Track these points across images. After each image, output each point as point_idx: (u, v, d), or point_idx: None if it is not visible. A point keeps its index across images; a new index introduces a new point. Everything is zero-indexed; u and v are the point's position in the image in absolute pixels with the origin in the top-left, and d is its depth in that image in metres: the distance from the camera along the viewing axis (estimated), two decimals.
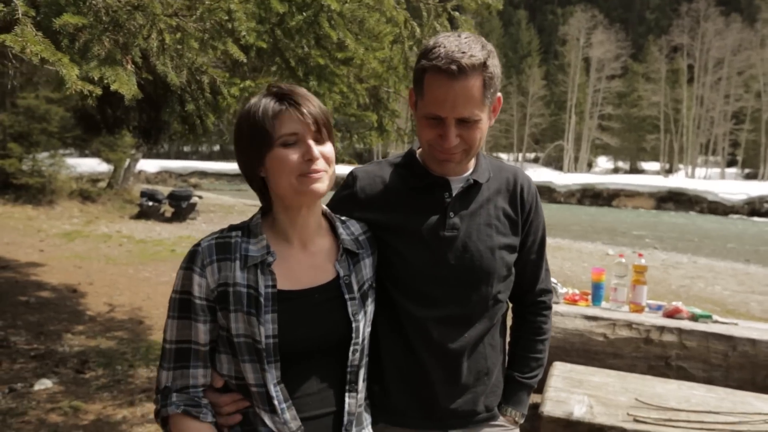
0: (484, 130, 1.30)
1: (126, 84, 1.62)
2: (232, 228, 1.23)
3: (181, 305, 1.17)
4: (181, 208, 14.54)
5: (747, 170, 50.82)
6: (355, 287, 1.26)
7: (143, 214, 14.34)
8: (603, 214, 28.36)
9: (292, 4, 2.06)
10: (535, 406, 2.75)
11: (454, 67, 1.19)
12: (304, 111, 1.17)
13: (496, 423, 1.46)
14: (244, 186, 34.94)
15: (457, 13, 2.85)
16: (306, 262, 1.24)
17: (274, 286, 1.16)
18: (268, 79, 2.30)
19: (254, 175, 1.21)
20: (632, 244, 15.30)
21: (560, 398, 2.58)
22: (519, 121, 60.57)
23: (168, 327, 1.18)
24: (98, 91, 1.51)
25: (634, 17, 74.06)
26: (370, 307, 1.31)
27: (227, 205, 20.21)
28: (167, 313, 1.20)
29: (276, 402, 1.14)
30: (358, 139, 4.44)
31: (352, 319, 1.23)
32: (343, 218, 1.37)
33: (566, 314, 3.33)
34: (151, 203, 14.46)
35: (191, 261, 1.16)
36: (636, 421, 2.40)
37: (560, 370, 2.92)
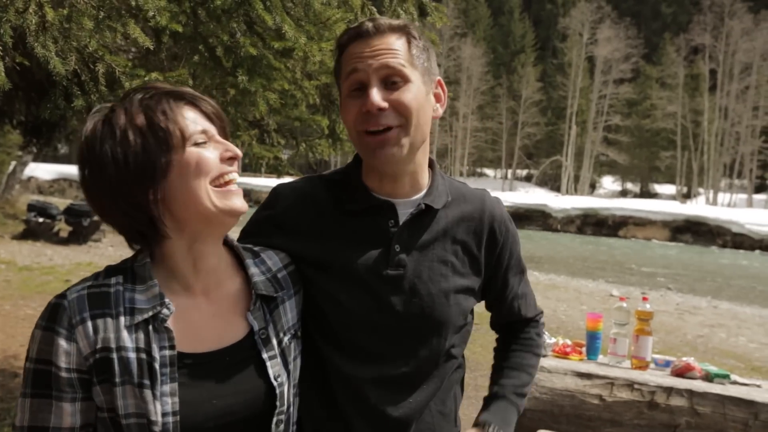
0: (421, 100, 1.30)
1: None
2: (109, 272, 1.15)
3: (37, 378, 1.08)
4: (82, 226, 14.18)
5: None
6: (275, 341, 1.23)
7: (30, 234, 13.92)
8: (608, 245, 28.96)
9: None
10: None
11: (368, 24, 1.30)
12: (204, 104, 1.18)
13: None
14: None
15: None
16: (209, 314, 1.19)
17: (172, 347, 1.10)
18: (182, 72, 2.25)
19: (135, 201, 1.11)
20: (641, 284, 15.66)
21: None
22: (509, 130, 61.74)
23: (19, 407, 1.09)
24: None
25: (648, 11, 77.15)
26: (296, 363, 1.28)
27: None
28: (21, 389, 1.11)
29: None
30: (306, 148, 4.42)
31: (274, 383, 1.19)
32: (255, 249, 1.33)
33: (555, 370, 3.34)
34: (41, 219, 14.08)
35: (53, 319, 1.08)
36: None
37: None
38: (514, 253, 1.52)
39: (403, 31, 1.31)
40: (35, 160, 19.57)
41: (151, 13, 1.81)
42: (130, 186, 1.10)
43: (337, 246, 1.34)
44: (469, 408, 3.24)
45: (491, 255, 1.45)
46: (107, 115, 1.14)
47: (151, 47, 1.94)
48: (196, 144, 1.13)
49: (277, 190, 1.44)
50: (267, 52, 2.28)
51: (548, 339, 3.61)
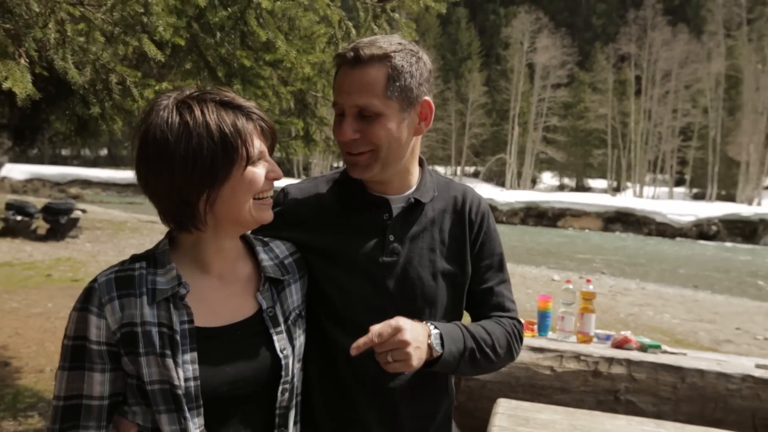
0: (392, 130, 1.32)
1: (20, 81, 1.56)
2: (134, 259, 1.20)
3: (74, 353, 1.12)
4: (59, 224, 13.79)
5: (695, 190, 54.63)
6: (281, 319, 1.28)
7: (9, 231, 13.46)
8: (548, 235, 29.48)
9: None
10: None
11: (351, 53, 1.30)
12: (266, 123, 1.22)
13: None
14: (137, 198, 33.60)
15: (396, 15, 2.95)
16: (224, 294, 1.24)
17: (190, 322, 1.15)
18: (188, 82, 2.27)
19: (188, 198, 1.15)
20: (579, 269, 16.04)
21: None
22: (458, 130, 62.03)
23: (58, 380, 1.14)
24: None
25: (581, 22, 78.46)
26: (300, 339, 1.33)
27: (117, 221, 19.33)
28: (59, 364, 1.15)
29: None
30: (281, 149, 4.44)
31: (280, 355, 1.24)
32: (265, 239, 1.39)
33: None
34: (19, 218, 13.63)
35: (86, 300, 1.13)
36: None
37: (505, 408, 3.03)
38: (491, 246, 1.52)
39: (383, 61, 1.29)
40: (13, 161, 18.88)
41: (161, 29, 1.83)
42: (190, 185, 1.14)
43: (339, 237, 1.40)
44: None
45: (473, 241, 1.49)
46: (181, 110, 1.15)
47: (163, 60, 1.96)
48: (253, 163, 1.19)
49: (285, 190, 1.49)
50: (257, 64, 2.31)
51: None
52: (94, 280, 1.15)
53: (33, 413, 4.16)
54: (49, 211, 13.85)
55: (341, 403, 1.40)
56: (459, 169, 63.36)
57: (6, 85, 1.53)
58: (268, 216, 1.25)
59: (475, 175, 64.24)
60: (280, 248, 1.38)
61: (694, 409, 3.20)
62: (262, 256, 1.32)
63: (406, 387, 1.41)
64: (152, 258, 1.20)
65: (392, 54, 1.30)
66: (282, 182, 1.39)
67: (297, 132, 4.12)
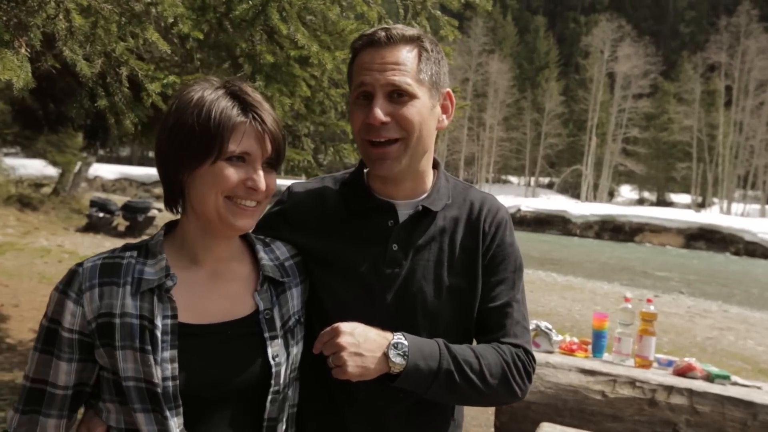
0: (424, 115, 1.24)
1: (14, 69, 1.54)
2: (127, 247, 1.17)
3: (47, 336, 1.11)
4: (137, 221, 14.49)
5: None
6: (278, 323, 1.21)
7: (92, 227, 14.27)
8: (624, 250, 28.56)
9: None
10: None
11: (381, 33, 1.24)
12: (266, 128, 1.15)
13: None
14: None
15: (438, 12, 2.82)
16: (217, 291, 1.19)
17: (174, 317, 1.10)
18: (198, 76, 2.23)
19: (173, 171, 1.16)
20: (655, 287, 15.37)
21: None
22: (533, 140, 61.38)
23: (29, 360, 1.12)
24: None
25: (667, 30, 75.71)
26: (297, 347, 1.25)
27: None
28: (34, 342, 1.14)
29: None
30: (334, 152, 4.40)
31: (272, 362, 1.17)
32: (266, 240, 1.32)
33: (560, 366, 3.27)
34: (101, 214, 14.42)
35: (67, 284, 1.11)
36: None
37: (548, 431, 2.85)
38: (505, 260, 1.36)
39: (415, 42, 1.25)
40: (99, 160, 20.05)
41: (170, 20, 1.80)
42: (169, 158, 1.16)
43: (340, 243, 1.31)
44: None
45: (486, 257, 1.35)
46: (201, 91, 1.16)
47: (169, 51, 1.92)
48: (228, 160, 1.13)
49: (290, 189, 1.42)
50: (286, 61, 2.25)
51: (555, 336, 3.54)
52: (80, 264, 1.13)
53: None
54: (128, 209, 14.59)
55: (332, 420, 1.31)
56: (533, 179, 62.58)
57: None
58: (241, 224, 1.16)
59: (550, 186, 63.23)
60: (281, 250, 1.32)
61: None
62: (262, 255, 1.26)
63: (400, 409, 1.30)
64: (144, 248, 1.17)
65: (422, 37, 1.28)
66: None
67: (348, 135, 4.07)
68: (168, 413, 1.07)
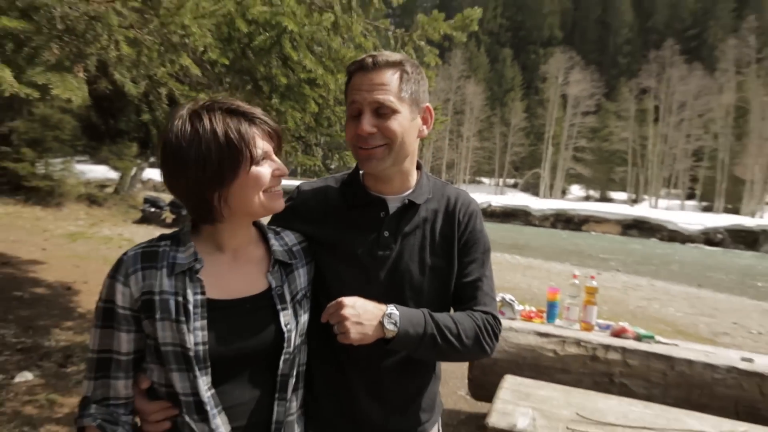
0: (405, 126, 1.23)
1: (74, 90, 1.54)
2: (162, 237, 1.16)
3: (105, 314, 1.09)
4: (182, 215, 14.36)
5: (704, 203, 51.49)
6: (288, 297, 1.20)
7: (145, 220, 14.17)
8: (574, 237, 28.48)
9: (256, 25, 2.00)
10: (482, 416, 2.68)
11: (369, 60, 1.23)
12: (269, 126, 1.15)
13: None
14: None
15: (422, 43, 2.81)
16: (237, 271, 1.17)
17: (202, 293, 1.09)
18: (224, 94, 2.22)
19: (203, 195, 1.09)
20: (598, 266, 15.33)
21: (506, 410, 2.52)
22: (501, 149, 61.28)
23: (92, 336, 1.11)
24: (36, 94, 1.43)
25: (608, 60, 75.14)
26: (304, 317, 1.24)
27: None
28: (93, 322, 1.11)
29: (208, 408, 1.07)
30: (339, 159, 4.39)
31: (284, 329, 1.16)
32: (277, 229, 1.31)
33: (520, 330, 3.28)
34: (153, 209, 14.31)
35: (116, 270, 1.09)
36: None
37: (510, 383, 2.85)
38: (475, 243, 1.34)
39: (397, 66, 1.23)
40: (151, 166, 19.91)
41: (201, 48, 1.79)
42: (203, 185, 1.09)
43: (340, 231, 1.30)
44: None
45: (461, 242, 1.34)
46: (193, 119, 1.09)
47: (200, 74, 1.92)
48: (257, 163, 1.11)
49: (299, 187, 1.40)
50: (298, 82, 2.25)
51: (517, 306, 3.55)
52: (125, 253, 1.11)
53: None
54: (174, 205, 14.48)
55: (336, 375, 1.30)
56: (501, 180, 62.30)
57: (55, 92, 1.52)
58: (278, 205, 1.17)
59: (515, 186, 63.01)
60: (290, 237, 1.30)
61: (682, 395, 2.92)
62: (273, 242, 1.24)
63: (393, 366, 1.29)
64: (176, 238, 1.15)
65: (404, 62, 1.25)
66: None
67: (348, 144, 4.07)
68: (198, 372, 1.06)
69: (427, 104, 1.31)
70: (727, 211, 45.75)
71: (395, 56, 1.26)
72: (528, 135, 62.09)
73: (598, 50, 76.74)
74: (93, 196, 15.02)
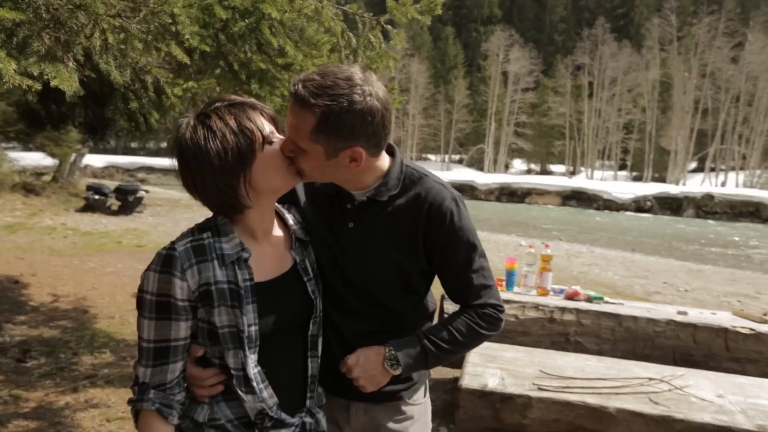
0: (314, 167, 1.19)
1: (67, 80, 1.50)
2: (200, 229, 1.18)
3: (159, 307, 1.11)
4: (128, 201, 13.77)
5: (634, 173, 54.50)
6: (310, 269, 1.30)
7: (89, 207, 13.47)
8: (517, 209, 29.43)
9: (234, 11, 1.98)
10: (455, 380, 2.84)
11: (293, 88, 1.14)
12: (267, 110, 1.20)
13: (398, 404, 1.40)
14: None
15: (389, 27, 2.85)
16: (269, 254, 1.25)
17: (251, 279, 1.17)
18: (211, 81, 2.20)
19: (230, 183, 1.13)
20: (541, 236, 15.99)
21: (477, 372, 2.68)
22: (446, 126, 61.77)
23: (144, 327, 1.13)
24: (38, 86, 1.39)
25: (545, 38, 77.05)
26: (321, 285, 1.35)
27: (174, 199, 19.32)
28: (140, 313, 1.14)
29: (254, 384, 1.16)
30: None
31: (312, 297, 1.28)
32: (285, 206, 1.37)
33: None
34: (97, 197, 13.62)
35: (169, 265, 1.10)
36: (540, 389, 2.53)
37: (477, 347, 3.02)
38: (456, 243, 1.31)
39: (313, 108, 1.10)
40: (90, 152, 18.83)
41: (187, 36, 1.75)
42: (228, 173, 1.13)
43: (319, 217, 1.36)
44: None
45: (430, 239, 1.30)
46: (202, 120, 1.14)
47: (188, 62, 1.88)
48: (269, 142, 1.16)
49: None
50: (272, 67, 2.24)
51: None
52: (173, 248, 1.12)
53: (105, 350, 4.19)
54: (120, 192, 13.84)
55: (322, 338, 1.36)
56: (447, 157, 63.14)
57: (54, 83, 1.47)
58: (296, 179, 1.22)
59: (460, 161, 64.02)
60: (296, 217, 1.37)
61: (628, 347, 3.19)
62: (291, 221, 1.33)
63: (363, 337, 1.35)
64: (215, 228, 1.18)
65: (325, 104, 1.10)
66: None
67: None
68: (248, 351, 1.14)
69: (357, 146, 1.17)
70: (654, 180, 48.66)
71: (318, 92, 1.10)
72: (471, 112, 62.91)
73: (535, 28, 78.47)
74: (29, 185, 14.09)
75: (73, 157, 16.54)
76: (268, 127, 1.18)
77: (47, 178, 16.39)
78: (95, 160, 35.19)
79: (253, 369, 1.17)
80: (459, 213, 1.31)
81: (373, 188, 1.29)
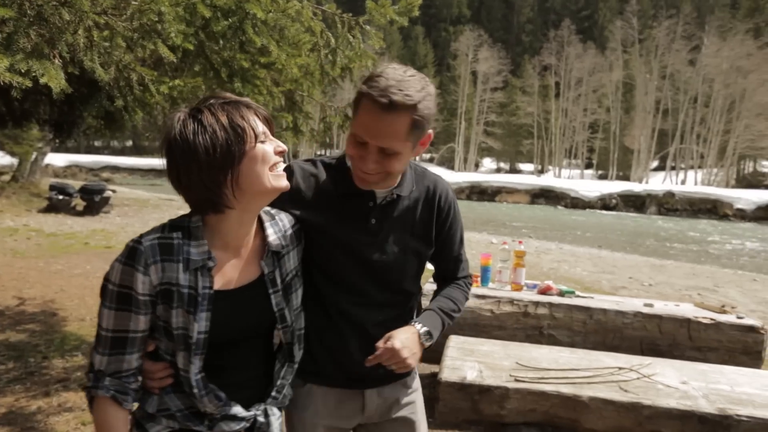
0: (405, 160, 1.29)
1: (54, 78, 1.48)
2: (172, 227, 1.16)
3: (120, 298, 1.12)
4: (94, 201, 13.36)
5: (600, 171, 55.93)
6: (279, 281, 1.27)
7: (53, 208, 13.02)
8: (487, 208, 29.83)
9: (217, 10, 1.97)
10: (434, 374, 2.90)
11: (385, 100, 1.17)
12: (261, 110, 1.19)
13: (404, 380, 1.52)
14: (158, 180, 32.82)
15: (368, 27, 2.88)
16: (237, 263, 1.23)
17: (210, 288, 1.15)
18: (198, 80, 2.19)
19: (216, 179, 1.11)
20: (512, 234, 16.25)
21: (455, 366, 2.74)
22: None
23: (104, 315, 1.13)
24: (28, 83, 1.36)
25: (513, 39, 78.38)
26: (298, 292, 1.33)
27: (142, 198, 18.86)
28: (102, 301, 1.14)
29: (195, 390, 1.15)
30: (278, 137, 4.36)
31: (274, 309, 1.26)
32: (272, 212, 1.34)
33: None
34: (61, 197, 13.16)
35: (132, 258, 1.10)
36: (516, 381, 2.61)
37: (455, 342, 3.09)
38: (456, 226, 1.51)
39: (410, 112, 1.19)
40: (52, 151, 18.18)
41: (172, 34, 1.74)
42: (216, 169, 1.11)
43: (332, 217, 1.37)
44: None
45: (439, 225, 1.47)
46: (194, 115, 1.12)
47: (174, 60, 1.87)
48: (261, 141, 1.14)
49: (291, 168, 1.40)
50: (253, 66, 2.24)
51: None
52: (140, 242, 1.11)
53: (77, 353, 4.09)
54: (85, 191, 13.42)
55: (330, 334, 1.41)
56: (417, 156, 63.28)
57: (42, 80, 1.45)
58: (284, 183, 1.20)
59: (431, 160, 64.30)
60: (284, 222, 1.34)
61: (599, 339, 3.31)
62: (269, 231, 1.29)
63: (379, 326, 1.41)
64: (187, 230, 1.16)
65: (419, 105, 1.20)
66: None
67: (287, 125, 4.05)
68: (193, 357, 1.14)
69: (430, 132, 1.30)
70: (618, 178, 50.10)
71: (411, 95, 1.19)
72: (441, 111, 62.99)
73: (504, 29, 79.71)
74: None
75: (34, 155, 15.94)
76: (261, 127, 1.16)
77: (6, 177, 15.76)
78: (56, 159, 34.00)
79: (196, 375, 1.15)
80: (455, 201, 1.53)
81: (395, 185, 1.39)
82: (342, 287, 1.39)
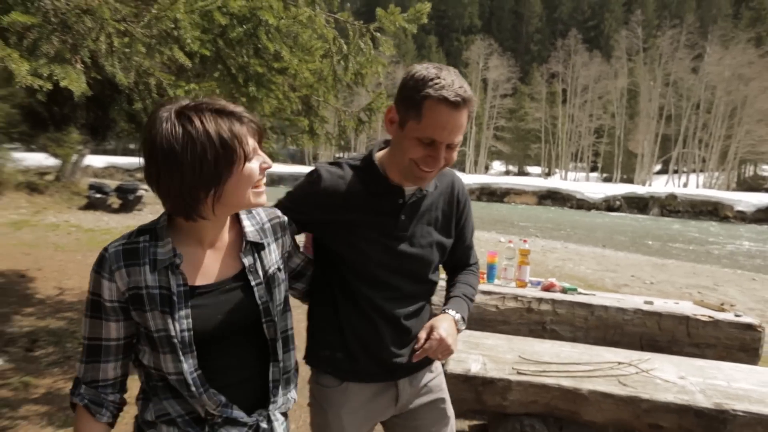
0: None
1: (75, 82, 1.48)
2: (140, 232, 1.10)
3: (93, 305, 1.07)
4: (128, 200, 13.61)
5: (605, 174, 55.24)
6: (261, 273, 1.19)
7: (91, 206, 13.28)
8: (497, 208, 29.62)
9: (233, 17, 1.97)
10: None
11: (459, 99, 1.20)
12: (255, 123, 1.10)
13: (429, 365, 1.53)
14: None
15: (378, 34, 2.85)
16: (215, 257, 1.16)
17: (185, 285, 1.08)
18: (212, 84, 2.18)
19: (196, 195, 1.03)
20: (519, 233, 16.11)
21: (460, 358, 2.70)
22: None
23: (83, 323, 1.10)
24: (48, 86, 1.37)
25: (522, 47, 77.70)
26: (281, 287, 1.24)
27: None
28: (84, 311, 1.10)
29: (194, 388, 1.08)
30: (292, 141, 4.36)
31: (258, 302, 1.17)
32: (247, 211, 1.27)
33: None
34: (99, 195, 13.43)
35: (99, 266, 1.06)
36: (519, 373, 2.57)
37: (461, 336, 3.04)
38: (470, 217, 1.56)
39: (471, 103, 1.24)
40: (91, 153, 18.51)
41: (188, 41, 1.73)
42: (198, 187, 1.03)
43: (363, 215, 1.35)
44: None
45: (458, 218, 1.50)
46: (182, 120, 1.02)
47: (189, 66, 1.87)
48: (249, 159, 1.07)
49: (318, 172, 1.38)
50: (268, 71, 2.23)
51: None
52: (106, 250, 1.07)
53: None
54: (120, 190, 13.68)
55: (367, 329, 1.39)
56: None
57: (63, 83, 1.45)
58: (263, 200, 1.14)
59: None
60: (260, 215, 1.27)
61: (600, 335, 3.24)
62: (246, 223, 1.21)
63: (411, 316, 1.43)
64: (153, 232, 1.10)
65: (473, 98, 1.25)
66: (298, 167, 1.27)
67: (304, 128, 4.05)
68: (182, 357, 1.07)
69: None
70: (623, 180, 49.36)
71: (468, 90, 1.23)
72: None
73: (513, 38, 79.03)
74: (33, 184, 13.82)
75: (74, 157, 16.26)
76: (251, 143, 1.08)
77: (50, 177, 16.09)
78: (96, 161, 34.67)
79: (191, 374, 1.08)
80: (468, 194, 1.57)
81: None
82: (375, 284, 1.37)
